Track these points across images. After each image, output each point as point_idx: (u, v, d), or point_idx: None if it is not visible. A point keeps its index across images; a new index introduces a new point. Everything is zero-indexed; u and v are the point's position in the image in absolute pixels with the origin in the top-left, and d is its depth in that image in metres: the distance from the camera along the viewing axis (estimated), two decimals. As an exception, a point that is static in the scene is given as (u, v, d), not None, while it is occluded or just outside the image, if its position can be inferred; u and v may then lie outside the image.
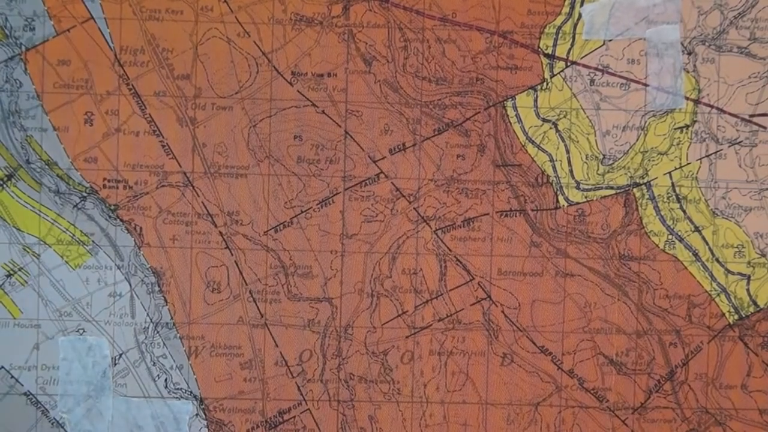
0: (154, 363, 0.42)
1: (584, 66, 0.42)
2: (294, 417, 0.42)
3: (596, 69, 0.42)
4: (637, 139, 0.42)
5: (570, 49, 0.42)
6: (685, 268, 0.42)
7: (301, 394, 0.42)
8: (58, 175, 0.42)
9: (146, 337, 0.42)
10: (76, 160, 0.42)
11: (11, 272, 0.42)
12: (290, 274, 0.42)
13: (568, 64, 0.42)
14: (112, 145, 0.42)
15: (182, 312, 0.42)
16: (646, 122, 0.42)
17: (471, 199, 0.42)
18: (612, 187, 0.42)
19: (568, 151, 0.42)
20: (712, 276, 0.42)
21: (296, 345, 0.42)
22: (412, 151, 0.42)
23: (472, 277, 0.42)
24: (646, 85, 0.42)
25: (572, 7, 0.41)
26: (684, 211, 0.42)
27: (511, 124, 0.42)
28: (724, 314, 0.42)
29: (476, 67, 0.42)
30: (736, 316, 0.42)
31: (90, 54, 0.41)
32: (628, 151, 0.42)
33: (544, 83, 0.42)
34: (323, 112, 0.42)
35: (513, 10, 0.41)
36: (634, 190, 0.42)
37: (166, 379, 0.42)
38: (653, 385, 0.42)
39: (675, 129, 0.42)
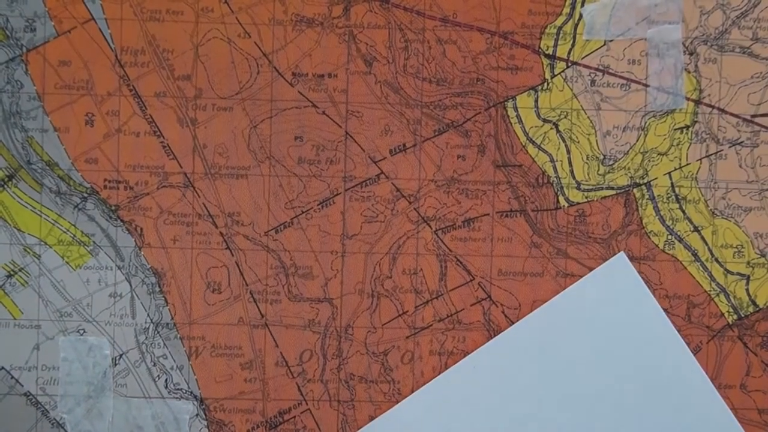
0: (155, 363, 0.42)
1: (585, 66, 0.42)
2: (294, 417, 0.42)
3: (597, 69, 0.42)
4: (637, 140, 0.42)
5: (571, 50, 0.42)
6: (685, 268, 0.42)
7: (302, 395, 0.42)
8: (58, 176, 0.42)
9: (147, 337, 0.42)
10: (76, 160, 0.42)
11: (12, 273, 0.42)
12: (291, 275, 0.42)
13: (569, 64, 0.42)
14: (112, 145, 0.42)
15: (183, 312, 0.42)
16: (646, 123, 0.42)
17: (471, 199, 0.42)
18: (612, 188, 0.42)
19: (568, 152, 0.42)
20: (711, 276, 0.42)
21: (297, 345, 0.42)
22: (412, 151, 0.42)
23: (472, 277, 0.42)
24: (646, 85, 0.42)
25: (573, 8, 0.41)
26: (683, 212, 0.42)
27: (511, 124, 0.42)
28: (723, 314, 0.42)
29: (477, 68, 0.42)
30: (735, 316, 0.42)
31: (91, 55, 0.41)
32: (628, 151, 0.42)
33: (545, 84, 0.42)
34: (324, 112, 0.42)
35: (513, 11, 0.41)
36: (635, 190, 0.42)
37: (166, 380, 0.42)
38: (653, 385, 0.42)
39: (675, 129, 0.42)
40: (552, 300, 0.41)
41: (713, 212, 0.42)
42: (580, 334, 0.41)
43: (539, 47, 0.42)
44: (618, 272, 0.42)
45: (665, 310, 0.42)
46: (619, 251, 0.42)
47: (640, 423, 0.41)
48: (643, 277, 0.42)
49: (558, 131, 0.42)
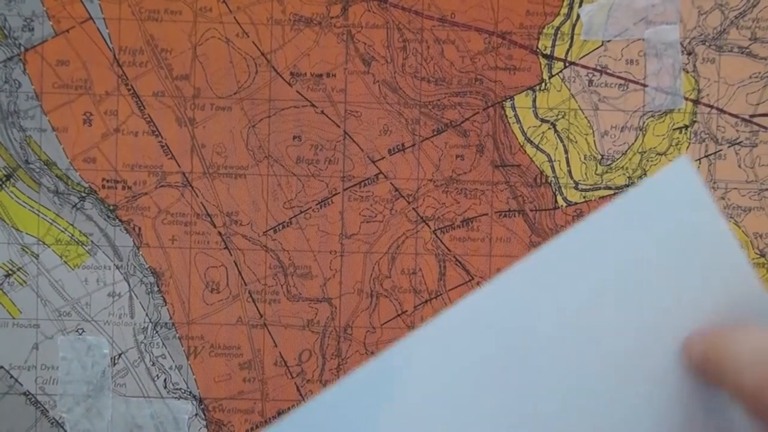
0: (153, 363, 0.42)
1: (583, 66, 0.42)
2: (293, 417, 0.42)
3: (595, 69, 0.42)
4: (636, 140, 0.42)
5: (568, 50, 0.42)
6: (684, 268, 0.42)
7: (301, 395, 0.42)
8: (57, 176, 0.42)
9: (145, 337, 0.42)
10: (75, 160, 0.42)
11: (10, 272, 0.42)
12: (289, 275, 0.42)
13: (567, 64, 0.42)
14: (110, 145, 0.42)
15: (181, 312, 0.42)
16: (644, 123, 0.42)
17: (470, 199, 0.42)
18: (610, 188, 0.42)
19: (566, 152, 0.42)
20: (710, 276, 0.42)
21: (295, 345, 0.42)
22: (411, 151, 0.42)
23: (471, 277, 0.42)
24: (644, 85, 0.42)
25: (571, 8, 0.41)
26: (683, 212, 0.42)
27: (509, 124, 0.42)
28: (722, 315, 0.42)
29: (475, 68, 0.42)
30: (734, 317, 0.42)
31: (89, 54, 0.41)
32: (626, 151, 0.42)
33: (543, 84, 0.42)
34: (322, 112, 0.42)
35: (512, 11, 0.41)
36: (633, 190, 0.42)
37: (165, 379, 0.42)
38: (652, 385, 0.42)
39: (674, 129, 0.42)
40: (591, 216, 0.37)
41: (712, 212, 0.42)
42: (636, 245, 0.36)
43: (537, 47, 0.42)
44: (679, 180, 0.37)
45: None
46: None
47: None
48: None
49: (556, 131, 0.42)
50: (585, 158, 0.42)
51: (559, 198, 0.42)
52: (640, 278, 0.36)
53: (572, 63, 0.42)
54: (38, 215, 0.42)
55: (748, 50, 0.42)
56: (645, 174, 0.42)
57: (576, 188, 0.42)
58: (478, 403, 0.37)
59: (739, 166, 0.42)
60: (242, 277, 0.42)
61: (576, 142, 0.42)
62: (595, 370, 0.36)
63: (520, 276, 0.36)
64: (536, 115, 0.42)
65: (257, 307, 0.42)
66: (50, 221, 0.42)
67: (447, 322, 0.37)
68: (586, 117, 0.42)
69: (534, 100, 0.42)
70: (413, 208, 0.42)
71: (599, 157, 0.42)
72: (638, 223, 0.36)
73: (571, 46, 0.42)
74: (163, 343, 0.42)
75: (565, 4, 0.41)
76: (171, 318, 0.42)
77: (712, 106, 0.42)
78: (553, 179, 0.42)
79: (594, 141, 0.42)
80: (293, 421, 0.37)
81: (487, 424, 0.37)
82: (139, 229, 0.42)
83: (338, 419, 0.36)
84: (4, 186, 0.42)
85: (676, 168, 0.36)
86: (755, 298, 0.35)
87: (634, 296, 0.36)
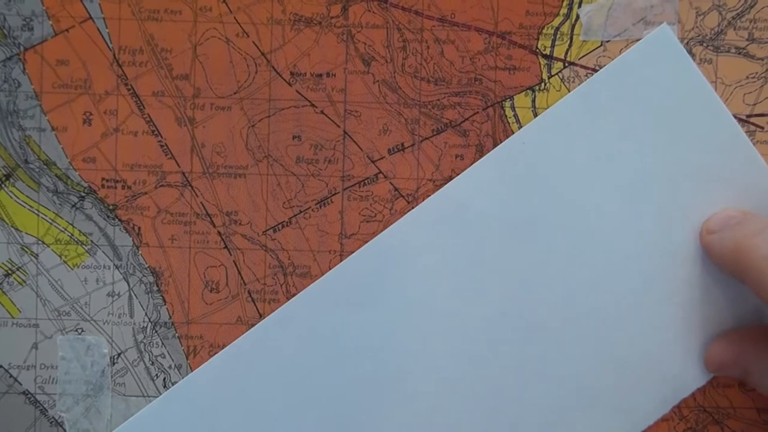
0: (153, 362, 0.42)
1: (582, 67, 0.42)
2: (292, 416, 0.42)
3: (594, 70, 0.42)
4: (635, 140, 0.42)
5: (568, 50, 0.42)
6: (682, 268, 0.42)
7: (300, 394, 0.42)
8: (56, 175, 0.42)
9: (145, 336, 0.42)
10: (74, 159, 0.42)
11: (10, 272, 0.42)
12: (289, 274, 0.42)
13: (566, 65, 0.42)
14: (110, 145, 0.42)
15: (181, 311, 0.42)
16: (643, 123, 0.42)
17: (469, 199, 0.42)
18: (609, 188, 0.42)
19: (565, 152, 0.42)
20: (708, 276, 0.42)
21: (295, 344, 0.42)
22: (410, 151, 0.42)
23: (470, 276, 0.42)
24: (643, 85, 0.42)
25: (570, 9, 0.42)
26: (681, 212, 0.42)
27: (509, 124, 0.42)
28: (720, 314, 0.42)
29: (474, 68, 0.42)
30: (732, 316, 0.42)
31: (88, 54, 0.41)
32: (625, 151, 0.42)
33: (542, 84, 0.42)
34: (322, 112, 0.42)
35: (511, 11, 0.42)
36: (632, 190, 0.42)
37: (164, 379, 0.42)
38: (650, 384, 0.42)
39: (672, 129, 0.42)
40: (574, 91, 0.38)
41: (709, 212, 0.42)
42: (624, 112, 0.37)
43: (536, 48, 0.42)
44: (661, 48, 0.36)
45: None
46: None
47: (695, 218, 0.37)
48: None
49: (555, 131, 0.42)
50: (584, 158, 0.42)
51: (558, 198, 0.42)
52: (629, 144, 0.36)
53: (571, 63, 0.42)
54: (38, 215, 0.42)
55: (745, 51, 0.42)
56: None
57: (575, 188, 0.42)
58: (487, 274, 0.37)
59: (737, 167, 0.42)
60: (242, 277, 0.42)
61: (575, 142, 0.42)
62: (599, 251, 0.36)
63: (513, 147, 0.36)
64: (535, 115, 0.42)
65: (256, 307, 0.42)
66: (50, 221, 0.42)
67: (443, 199, 0.37)
68: (585, 117, 0.42)
69: (533, 100, 0.42)
70: (413, 208, 0.42)
71: (598, 156, 0.42)
72: (624, 91, 0.36)
73: (570, 46, 0.42)
74: (163, 343, 0.42)
75: (564, 4, 0.42)
76: (170, 317, 0.42)
77: (709, 107, 0.42)
78: (552, 179, 0.42)
79: (593, 141, 0.42)
80: (313, 290, 0.37)
81: (496, 295, 0.37)
82: (139, 228, 0.42)
83: (345, 291, 0.37)
84: (3, 185, 0.41)
85: (657, 37, 0.37)
86: (742, 152, 0.37)
87: (628, 163, 0.36)
